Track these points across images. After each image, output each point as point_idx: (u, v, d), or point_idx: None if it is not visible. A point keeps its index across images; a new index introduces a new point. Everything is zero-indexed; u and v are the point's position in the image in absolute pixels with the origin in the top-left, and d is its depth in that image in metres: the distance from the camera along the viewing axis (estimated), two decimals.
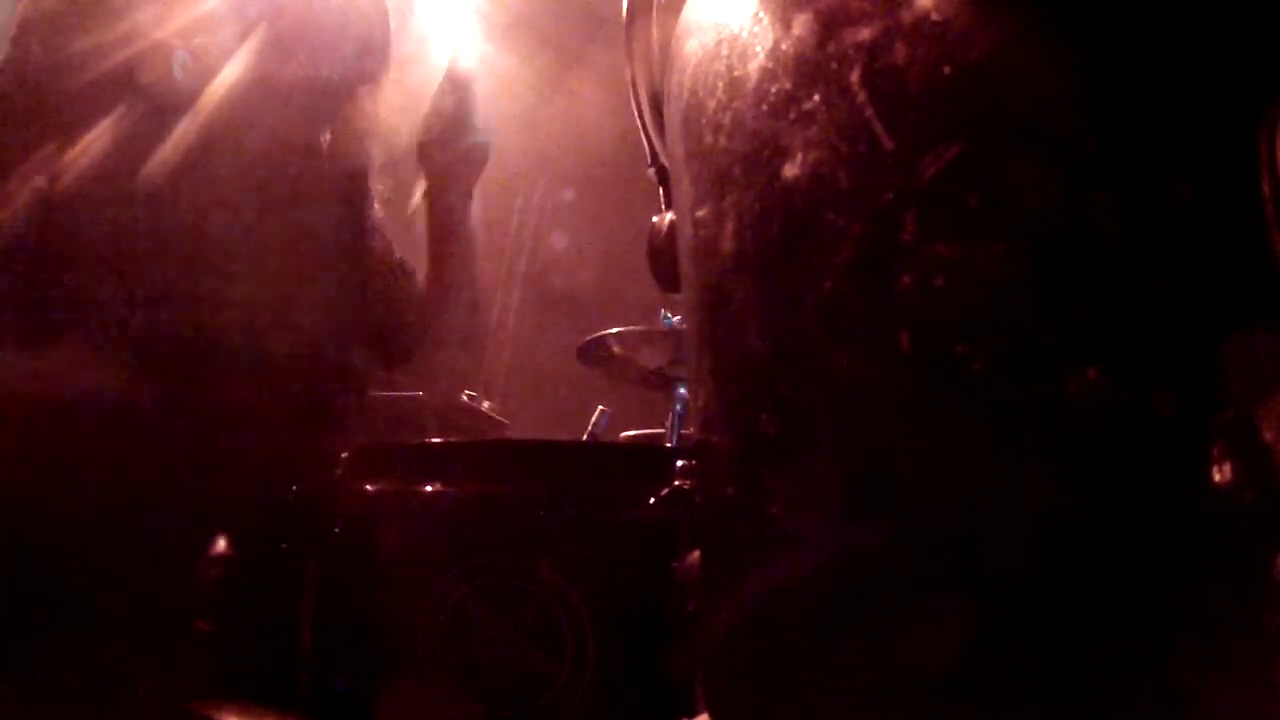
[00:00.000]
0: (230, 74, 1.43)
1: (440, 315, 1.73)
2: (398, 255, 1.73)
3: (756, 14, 0.52)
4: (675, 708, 0.93)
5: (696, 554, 0.94)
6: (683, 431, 1.96)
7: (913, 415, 0.43)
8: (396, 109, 1.75)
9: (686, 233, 0.60)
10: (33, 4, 1.44)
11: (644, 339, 2.04)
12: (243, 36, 1.46)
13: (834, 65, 0.47)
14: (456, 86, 1.70)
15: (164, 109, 1.40)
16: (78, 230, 1.37)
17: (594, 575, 1.05)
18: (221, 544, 1.31)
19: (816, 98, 0.47)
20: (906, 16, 0.45)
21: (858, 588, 0.45)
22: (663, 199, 0.79)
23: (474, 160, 1.74)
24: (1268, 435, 0.37)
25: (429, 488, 1.14)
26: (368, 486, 1.18)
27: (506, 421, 2.31)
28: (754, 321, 0.52)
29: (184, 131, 1.39)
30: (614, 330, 2.02)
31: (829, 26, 0.48)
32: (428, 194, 1.73)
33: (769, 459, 0.50)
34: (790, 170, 0.48)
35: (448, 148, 1.70)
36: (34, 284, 1.36)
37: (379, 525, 1.17)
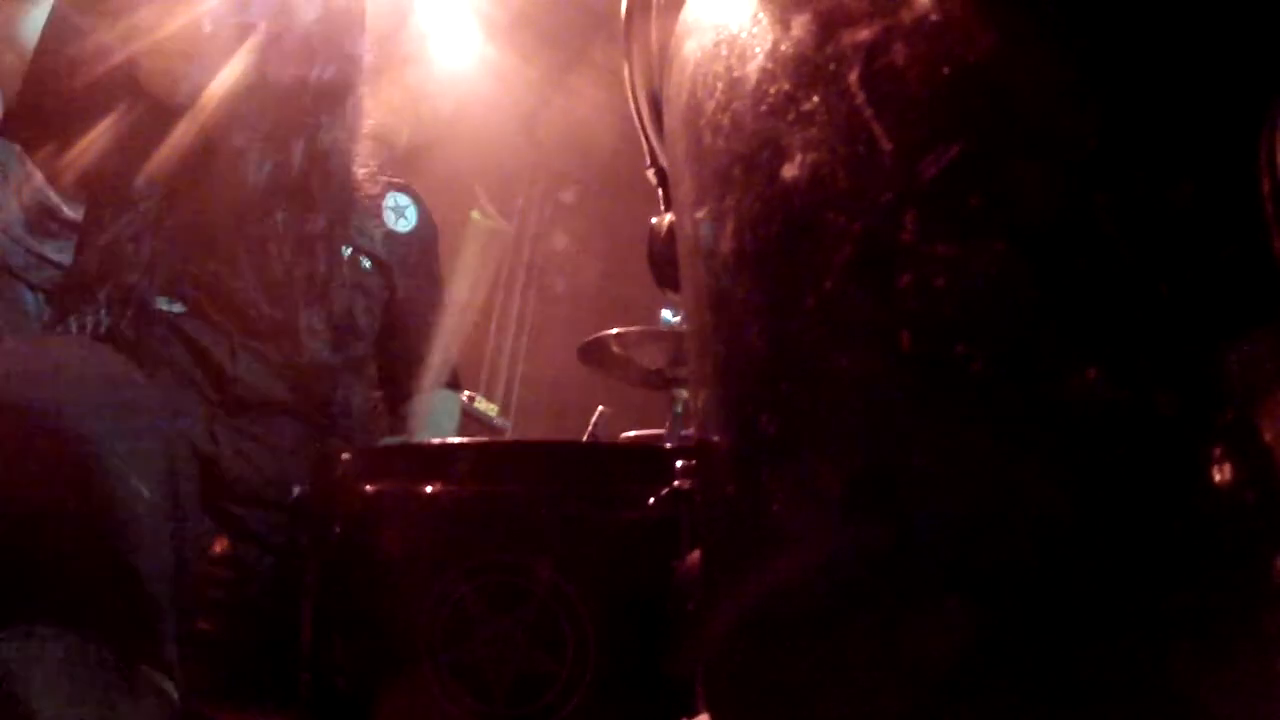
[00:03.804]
0: (229, 74, 1.43)
1: None
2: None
3: (756, 15, 0.52)
4: (675, 708, 0.93)
5: (696, 554, 0.94)
6: (683, 431, 1.96)
7: (912, 415, 0.43)
8: (396, 109, 1.75)
9: (686, 233, 0.60)
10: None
11: (644, 339, 2.04)
12: (242, 36, 1.46)
13: (833, 66, 0.47)
14: None
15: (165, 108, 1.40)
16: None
17: (594, 575, 1.04)
18: (221, 544, 1.31)
19: (816, 98, 0.47)
20: (906, 17, 0.45)
21: (858, 587, 0.45)
22: (662, 200, 0.79)
23: None
24: (1268, 436, 0.37)
25: (429, 488, 1.14)
26: (368, 487, 1.18)
27: (507, 422, 2.31)
28: (754, 321, 0.52)
29: (184, 131, 1.39)
30: (614, 330, 2.02)
31: (828, 27, 0.48)
32: None
33: (769, 459, 0.50)
34: (790, 171, 0.48)
35: None
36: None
37: (379, 525, 1.17)
